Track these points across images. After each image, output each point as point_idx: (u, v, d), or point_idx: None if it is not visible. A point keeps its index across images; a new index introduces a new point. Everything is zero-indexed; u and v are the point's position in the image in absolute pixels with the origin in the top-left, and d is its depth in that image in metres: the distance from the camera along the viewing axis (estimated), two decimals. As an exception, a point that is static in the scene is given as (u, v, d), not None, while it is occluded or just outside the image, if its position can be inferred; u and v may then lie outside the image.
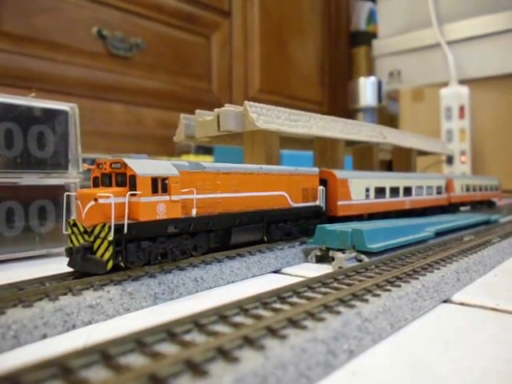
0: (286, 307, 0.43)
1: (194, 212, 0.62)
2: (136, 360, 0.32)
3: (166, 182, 0.58)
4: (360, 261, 0.72)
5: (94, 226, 0.54)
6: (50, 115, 0.85)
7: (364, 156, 1.20)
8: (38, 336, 0.43)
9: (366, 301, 0.46)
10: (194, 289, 0.59)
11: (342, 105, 2.28)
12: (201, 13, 1.77)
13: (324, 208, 0.91)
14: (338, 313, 0.42)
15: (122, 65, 1.55)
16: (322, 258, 0.78)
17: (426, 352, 0.40)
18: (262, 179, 0.77)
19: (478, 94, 1.87)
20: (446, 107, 1.89)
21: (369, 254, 0.73)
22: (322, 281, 0.53)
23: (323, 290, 0.50)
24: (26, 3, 1.29)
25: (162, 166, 0.59)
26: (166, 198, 0.58)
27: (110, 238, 0.52)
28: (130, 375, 0.28)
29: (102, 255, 0.53)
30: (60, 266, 0.60)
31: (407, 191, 1.12)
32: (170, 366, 0.30)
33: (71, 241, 0.57)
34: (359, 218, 0.97)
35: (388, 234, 0.81)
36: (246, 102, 0.73)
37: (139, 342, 0.34)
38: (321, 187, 0.90)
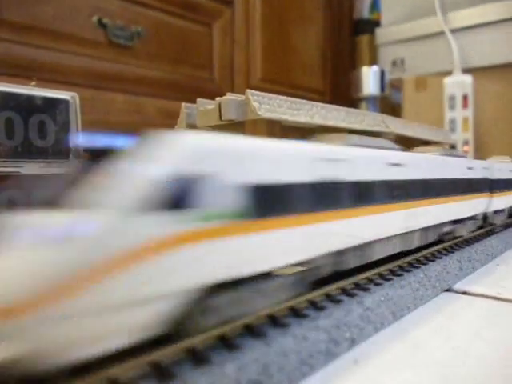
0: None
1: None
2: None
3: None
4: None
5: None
6: (51, 104, 0.85)
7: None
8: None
9: (368, 290, 0.46)
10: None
11: (344, 94, 2.26)
12: (202, 1, 1.75)
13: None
14: (340, 302, 0.42)
15: (123, 54, 1.54)
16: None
17: (428, 340, 0.40)
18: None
19: (482, 82, 1.86)
20: (449, 96, 1.87)
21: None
22: (324, 270, 0.53)
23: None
24: (25, -9, 1.28)
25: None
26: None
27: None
28: (133, 363, 0.28)
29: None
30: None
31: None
32: (173, 354, 0.30)
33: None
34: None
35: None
36: (247, 90, 0.73)
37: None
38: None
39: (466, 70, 1.85)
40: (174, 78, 1.65)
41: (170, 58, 1.64)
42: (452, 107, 1.85)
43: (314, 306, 0.41)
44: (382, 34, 2.13)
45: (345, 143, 0.51)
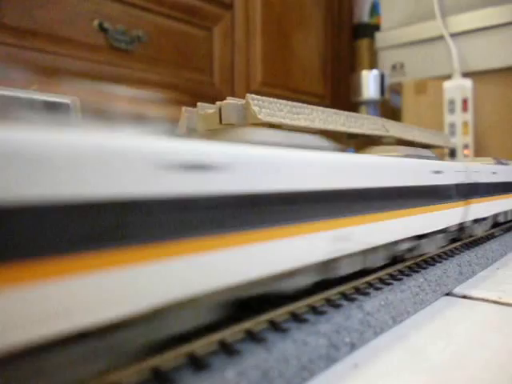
0: (287, 301, 0.43)
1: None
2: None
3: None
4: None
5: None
6: (52, 108, 0.85)
7: (366, 149, 1.19)
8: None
9: (368, 294, 0.46)
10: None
11: (344, 98, 2.27)
12: (202, 5, 1.76)
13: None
14: (340, 306, 0.42)
15: (124, 58, 1.54)
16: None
17: (428, 344, 0.40)
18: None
19: (482, 86, 1.87)
20: (449, 100, 1.88)
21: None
22: (324, 274, 0.53)
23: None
24: (26, -4, 1.28)
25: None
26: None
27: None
28: (133, 368, 0.28)
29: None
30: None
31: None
32: (173, 359, 0.30)
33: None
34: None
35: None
36: (247, 94, 0.73)
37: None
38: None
39: (465, 74, 1.86)
40: (175, 82, 1.66)
41: (170, 62, 1.65)
42: (452, 111, 1.85)
43: (314, 310, 0.41)
44: (381, 37, 2.13)
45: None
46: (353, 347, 0.38)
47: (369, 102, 2.08)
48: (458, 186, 0.67)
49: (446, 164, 0.68)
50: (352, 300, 0.44)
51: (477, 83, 1.83)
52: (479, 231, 0.80)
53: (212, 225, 0.29)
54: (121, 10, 1.49)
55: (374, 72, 2.08)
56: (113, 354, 0.27)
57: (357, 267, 0.47)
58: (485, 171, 0.80)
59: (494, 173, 0.84)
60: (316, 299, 0.42)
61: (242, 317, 0.36)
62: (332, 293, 0.44)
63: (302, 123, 0.78)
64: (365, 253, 0.47)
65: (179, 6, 1.65)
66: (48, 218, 0.21)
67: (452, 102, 1.85)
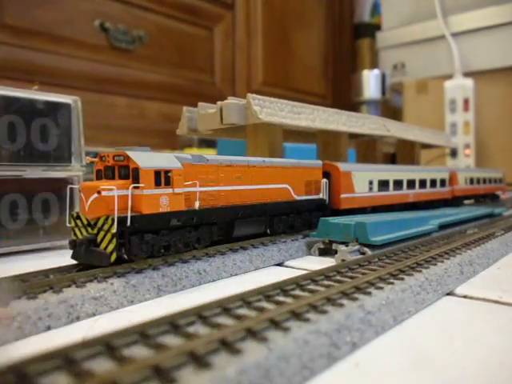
0: (288, 300, 0.43)
1: (196, 205, 0.62)
2: (139, 351, 0.32)
3: (169, 174, 0.58)
4: (363, 254, 0.72)
5: (98, 219, 0.54)
6: (53, 108, 0.85)
7: (367, 149, 1.19)
8: (42, 327, 0.43)
9: (369, 294, 0.46)
10: (197, 281, 0.59)
11: (345, 98, 2.27)
12: (203, 5, 1.76)
13: (327, 201, 0.90)
14: (341, 305, 0.42)
15: (125, 58, 1.54)
16: (325, 251, 0.78)
17: (429, 344, 0.40)
18: (265, 172, 0.77)
19: (483, 86, 1.86)
20: (450, 100, 1.88)
21: (372, 246, 0.73)
22: (324, 274, 0.53)
23: (326, 282, 0.50)
24: (28, -4, 1.28)
25: (164, 159, 0.59)
26: (169, 190, 0.58)
27: (114, 230, 0.52)
28: (134, 366, 0.28)
29: (106, 247, 0.54)
30: (64, 258, 0.60)
31: (411, 184, 1.12)
32: (174, 357, 0.30)
33: (75, 233, 0.57)
34: (362, 211, 0.96)
35: (391, 227, 0.81)
36: (248, 94, 0.73)
37: (142, 333, 0.34)
38: (324, 180, 0.89)
39: (466, 74, 1.86)
40: (176, 82, 1.66)
41: (171, 62, 1.65)
42: (453, 111, 1.85)
43: (315, 309, 0.41)
44: (382, 37, 2.13)
45: None
46: (354, 346, 0.39)
47: (370, 102, 2.08)
48: None
49: None
50: (353, 299, 0.44)
51: (478, 83, 1.83)
52: None
53: None
54: (122, 10, 1.49)
55: (375, 72, 2.08)
56: None
57: None
58: None
59: None
60: (317, 298, 0.42)
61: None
62: (333, 292, 0.45)
63: (303, 123, 0.78)
64: None
65: (180, 6, 1.65)
66: None
67: (453, 102, 1.85)
